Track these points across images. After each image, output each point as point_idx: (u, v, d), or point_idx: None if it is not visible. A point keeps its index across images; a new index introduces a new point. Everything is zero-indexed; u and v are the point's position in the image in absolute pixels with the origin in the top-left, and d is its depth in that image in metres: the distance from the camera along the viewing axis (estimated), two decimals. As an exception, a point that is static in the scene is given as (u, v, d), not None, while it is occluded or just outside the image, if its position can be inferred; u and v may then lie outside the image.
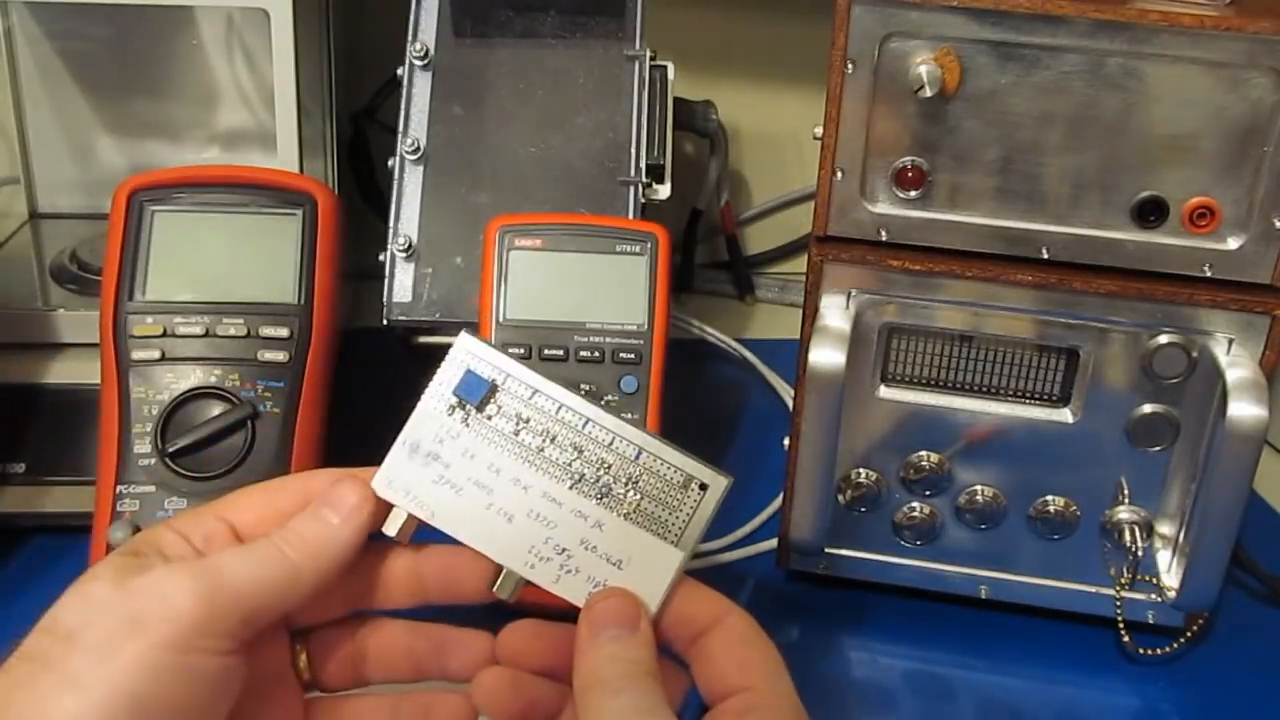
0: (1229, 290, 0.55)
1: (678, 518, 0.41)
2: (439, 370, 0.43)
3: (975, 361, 0.59)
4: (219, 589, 0.38)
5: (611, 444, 0.42)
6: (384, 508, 0.42)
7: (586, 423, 0.42)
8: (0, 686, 0.35)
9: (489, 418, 0.42)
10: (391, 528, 0.42)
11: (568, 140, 0.71)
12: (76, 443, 0.65)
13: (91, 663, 0.35)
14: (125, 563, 0.38)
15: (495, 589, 0.42)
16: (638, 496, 0.42)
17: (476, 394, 0.42)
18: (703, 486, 0.42)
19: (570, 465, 0.42)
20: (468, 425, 0.42)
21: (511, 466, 0.42)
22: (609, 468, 0.42)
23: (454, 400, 0.42)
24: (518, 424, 0.42)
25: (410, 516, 0.42)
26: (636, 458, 0.42)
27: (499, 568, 0.42)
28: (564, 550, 0.41)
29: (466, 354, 0.43)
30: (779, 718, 0.39)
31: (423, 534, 0.43)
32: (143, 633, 0.36)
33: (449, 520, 0.42)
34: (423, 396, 0.43)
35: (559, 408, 0.42)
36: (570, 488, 0.42)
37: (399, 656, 0.44)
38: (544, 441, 0.42)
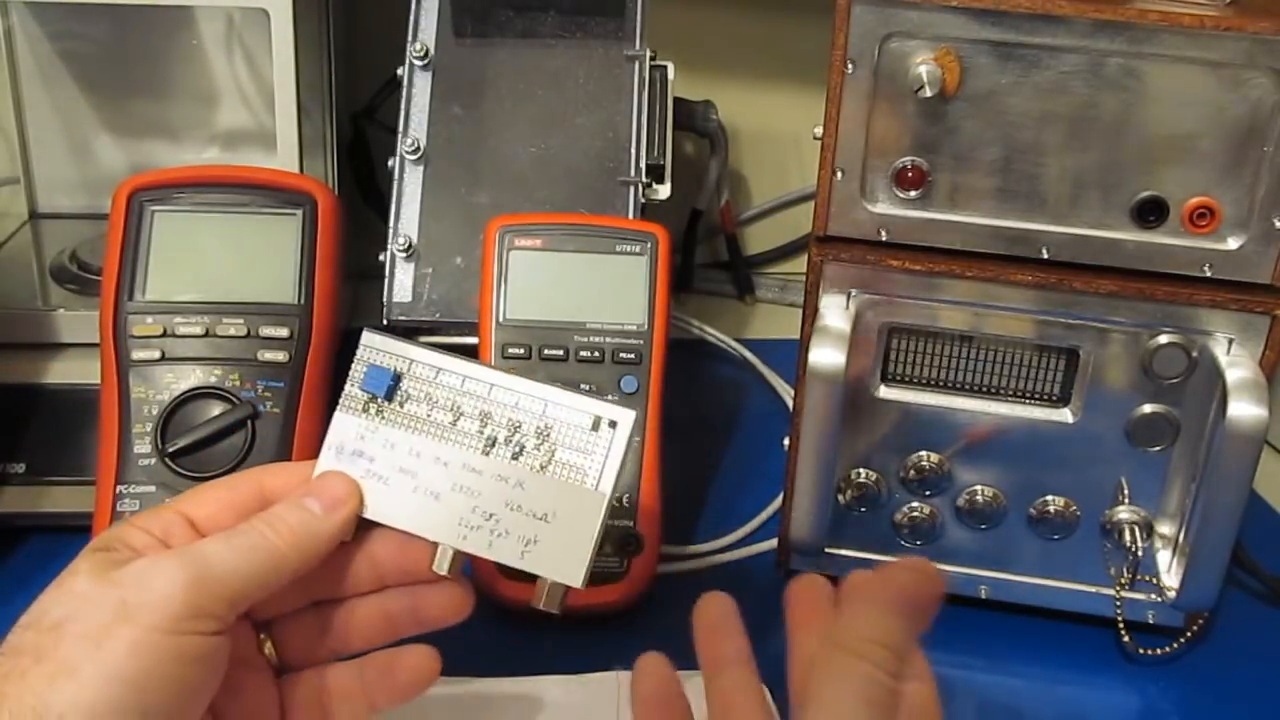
0: (1229, 290, 0.55)
1: (593, 461, 0.42)
2: (350, 371, 0.44)
3: (975, 361, 0.59)
4: (205, 573, 0.38)
5: (517, 404, 0.43)
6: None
7: (491, 388, 0.43)
8: None
9: (401, 405, 0.44)
10: None
11: (568, 140, 0.71)
12: (76, 443, 0.65)
13: (84, 650, 0.36)
14: (100, 558, 0.39)
15: (434, 567, 0.43)
16: (551, 448, 0.43)
17: (383, 386, 0.43)
18: (612, 424, 0.43)
19: (482, 432, 0.43)
20: (382, 417, 0.44)
21: (430, 447, 0.43)
22: (519, 427, 0.43)
23: (365, 397, 0.44)
24: (428, 405, 0.43)
25: None
26: (544, 412, 0.43)
27: (435, 546, 0.43)
28: (491, 515, 0.42)
29: (369, 351, 0.44)
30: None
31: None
32: (133, 618, 0.37)
33: (382, 510, 0.43)
34: (339, 401, 0.44)
35: (463, 380, 0.43)
36: (485, 454, 0.43)
37: (371, 621, 0.45)
38: (454, 416, 0.43)
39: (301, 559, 0.41)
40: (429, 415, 0.43)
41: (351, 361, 0.45)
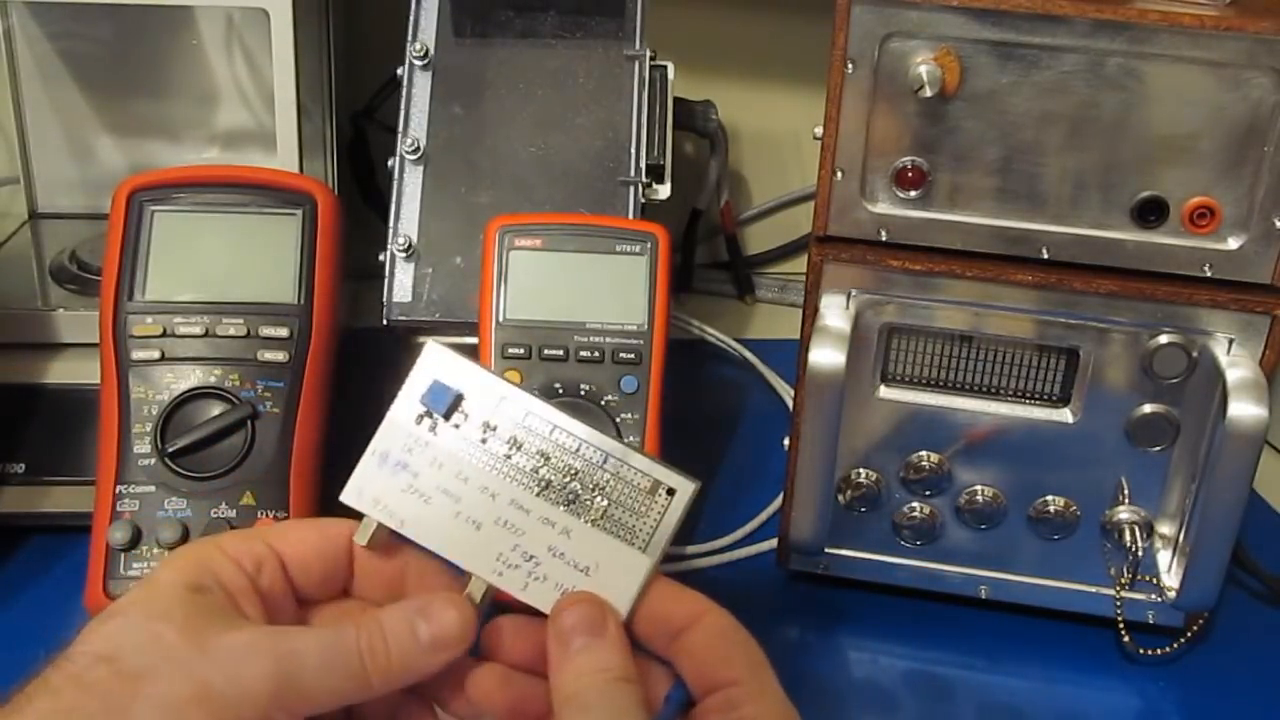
0: (1229, 290, 0.55)
1: (645, 523, 0.41)
2: (407, 379, 0.42)
3: (975, 361, 0.59)
4: (293, 681, 0.37)
5: (578, 450, 0.42)
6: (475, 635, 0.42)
7: (553, 429, 0.42)
8: (52, 711, 0.34)
9: (456, 426, 0.42)
10: (362, 537, 0.42)
11: (568, 140, 0.71)
12: (76, 443, 0.65)
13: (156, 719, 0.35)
14: (194, 602, 0.37)
15: (464, 596, 0.42)
16: (605, 503, 0.41)
17: (443, 403, 0.42)
18: (670, 491, 0.41)
19: (537, 472, 0.42)
20: (435, 434, 0.42)
21: (479, 475, 0.42)
22: (576, 474, 0.41)
23: (421, 409, 0.42)
24: (485, 432, 0.42)
25: (380, 525, 0.42)
26: (603, 463, 0.41)
27: (469, 575, 0.42)
28: (532, 557, 0.41)
29: (433, 362, 0.42)
30: (765, 710, 0.39)
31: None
32: (212, 705, 0.35)
33: (418, 529, 0.42)
34: (392, 405, 0.42)
35: (526, 414, 0.42)
36: (537, 495, 0.41)
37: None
38: (511, 449, 0.42)
39: (385, 690, 0.39)
40: (484, 443, 0.42)
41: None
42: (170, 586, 0.38)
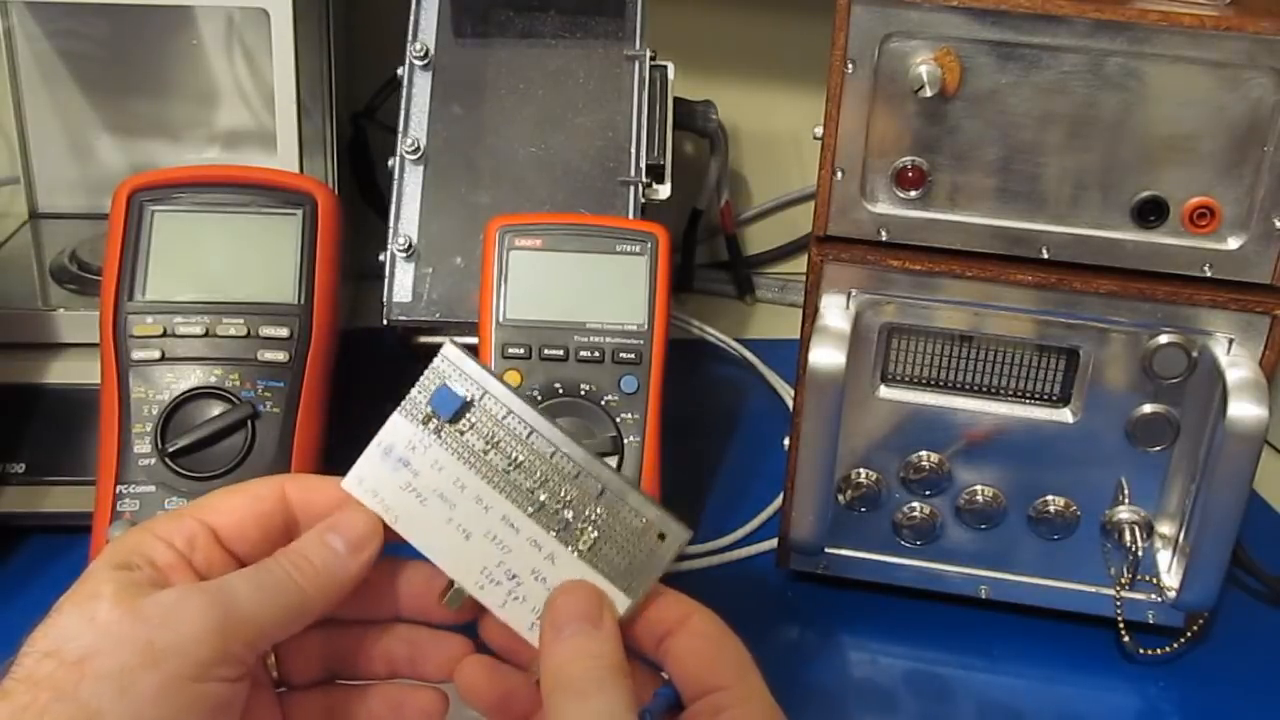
0: (1229, 290, 0.55)
1: (631, 563, 0.41)
2: (420, 378, 0.43)
3: (975, 361, 0.59)
4: (234, 617, 0.37)
5: (577, 477, 0.41)
6: (387, 538, 0.42)
7: (555, 452, 0.42)
8: (9, 714, 0.34)
9: (461, 433, 0.42)
10: None
11: (568, 140, 0.71)
12: (76, 443, 0.65)
13: (108, 693, 0.35)
14: (122, 578, 0.37)
15: (445, 600, 0.42)
16: (595, 534, 0.41)
17: (450, 409, 0.42)
18: (661, 535, 0.41)
19: (533, 492, 0.41)
20: (439, 437, 0.42)
21: (476, 484, 0.42)
22: (571, 501, 0.41)
23: (428, 411, 0.42)
24: (488, 443, 0.42)
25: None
26: (599, 495, 0.41)
27: (451, 580, 0.42)
28: (514, 576, 0.41)
29: (447, 366, 0.42)
30: (752, 713, 0.39)
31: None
32: (160, 663, 0.35)
33: (409, 527, 0.42)
34: (401, 402, 0.43)
35: (530, 433, 0.42)
36: (529, 515, 0.41)
37: (372, 658, 0.44)
38: (510, 465, 0.42)
39: (325, 602, 0.40)
40: (485, 454, 0.42)
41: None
42: (97, 570, 0.38)
